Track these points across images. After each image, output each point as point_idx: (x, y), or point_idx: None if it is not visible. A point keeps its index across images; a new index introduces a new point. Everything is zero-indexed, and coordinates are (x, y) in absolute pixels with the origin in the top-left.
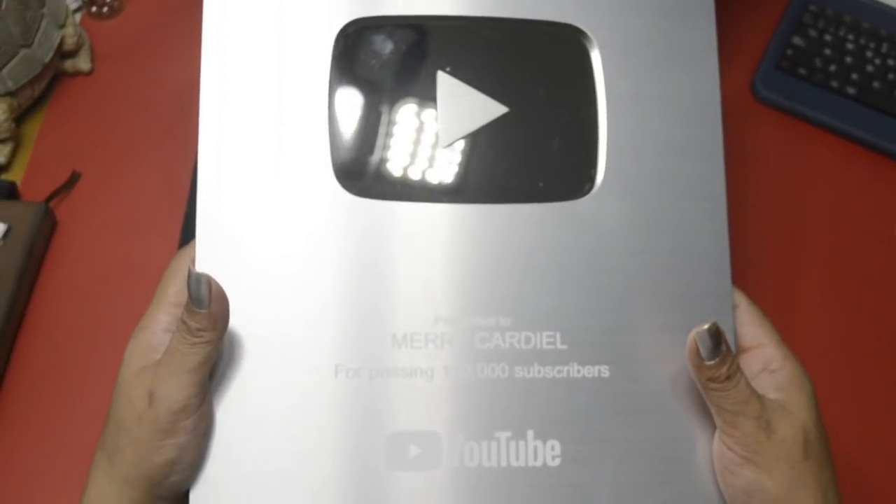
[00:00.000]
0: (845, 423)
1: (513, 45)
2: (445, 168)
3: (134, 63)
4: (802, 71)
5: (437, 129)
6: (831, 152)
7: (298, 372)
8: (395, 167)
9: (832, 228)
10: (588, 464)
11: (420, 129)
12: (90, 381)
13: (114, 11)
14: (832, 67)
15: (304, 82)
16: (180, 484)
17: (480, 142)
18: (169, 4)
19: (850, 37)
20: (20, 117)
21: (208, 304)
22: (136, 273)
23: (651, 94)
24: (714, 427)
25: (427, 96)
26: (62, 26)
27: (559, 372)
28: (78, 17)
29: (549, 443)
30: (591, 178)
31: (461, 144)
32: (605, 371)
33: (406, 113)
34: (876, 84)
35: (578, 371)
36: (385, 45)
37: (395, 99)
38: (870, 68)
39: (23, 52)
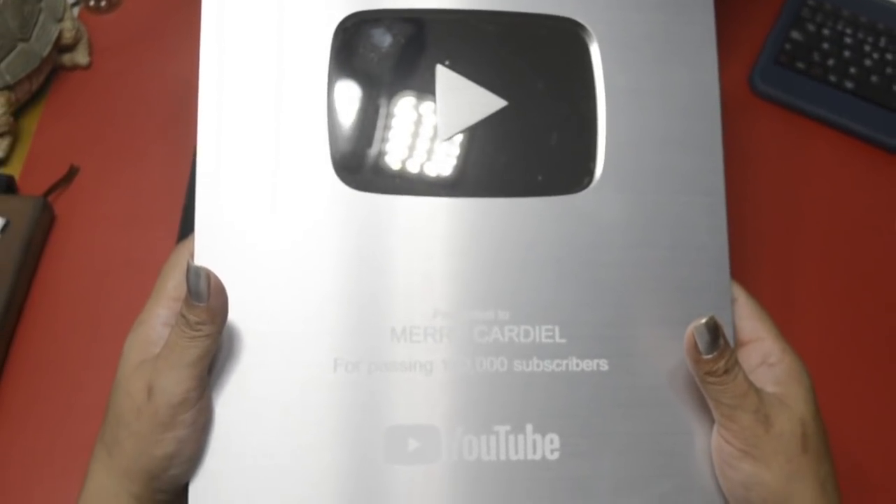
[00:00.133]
0: (843, 417)
1: (512, 38)
2: (444, 162)
3: (132, 57)
4: (800, 65)
5: (436, 122)
6: (829, 146)
7: (297, 366)
8: (394, 161)
9: (830, 222)
10: (587, 457)
11: (419, 123)
12: (89, 375)
13: (112, 5)
14: (830, 62)
15: (303, 76)
16: (179, 477)
17: (479, 135)
18: None
19: (849, 31)
20: (18, 111)
21: (207, 298)
22: (135, 267)
23: (650, 89)
24: (713, 420)
25: (426, 90)
26: (60, 20)
27: (558, 365)
28: (76, 10)
29: (548, 436)
30: (590, 172)
31: (460, 138)
32: (603, 365)
33: (405, 107)
34: (874, 78)
35: (577, 365)
36: (384, 39)
37: (394, 93)
38: (868, 62)
39: (21, 45)
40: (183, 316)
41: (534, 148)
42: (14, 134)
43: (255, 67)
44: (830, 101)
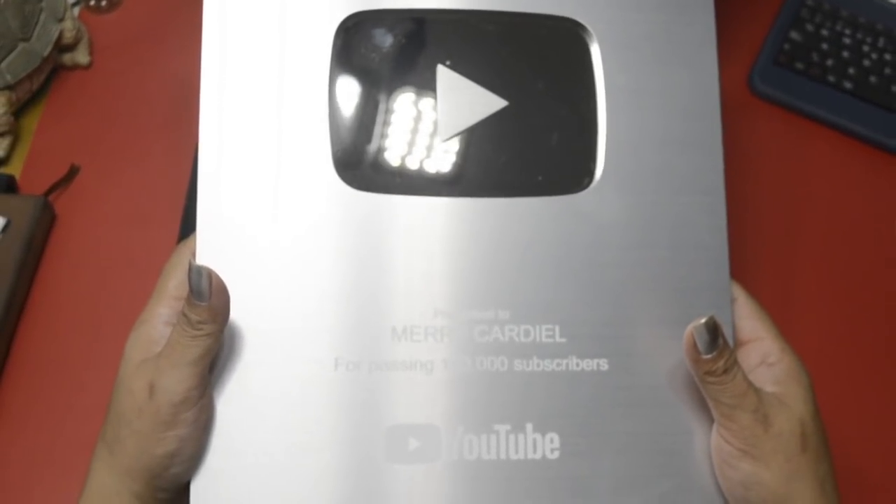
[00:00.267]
0: (843, 417)
1: (512, 39)
2: (445, 161)
3: (132, 56)
4: (800, 65)
5: (436, 122)
6: (828, 146)
7: (298, 365)
8: (395, 161)
9: (829, 222)
10: (587, 457)
11: (420, 123)
12: (89, 375)
13: (112, 5)
14: (829, 62)
15: (305, 75)
16: (181, 476)
17: (480, 135)
18: None
19: (847, 31)
20: (19, 111)
21: (209, 297)
22: (136, 266)
23: (650, 89)
24: (712, 420)
25: (427, 90)
26: (61, 20)
27: (558, 365)
28: (76, 10)
29: (548, 436)
30: (591, 172)
31: (461, 138)
32: (603, 364)
33: (406, 106)
34: (873, 79)
35: (577, 364)
36: (385, 39)
37: (395, 92)
38: (866, 63)
39: (21, 45)
40: (184, 315)
41: (534, 148)
42: (15, 133)
43: (257, 67)
44: (829, 102)
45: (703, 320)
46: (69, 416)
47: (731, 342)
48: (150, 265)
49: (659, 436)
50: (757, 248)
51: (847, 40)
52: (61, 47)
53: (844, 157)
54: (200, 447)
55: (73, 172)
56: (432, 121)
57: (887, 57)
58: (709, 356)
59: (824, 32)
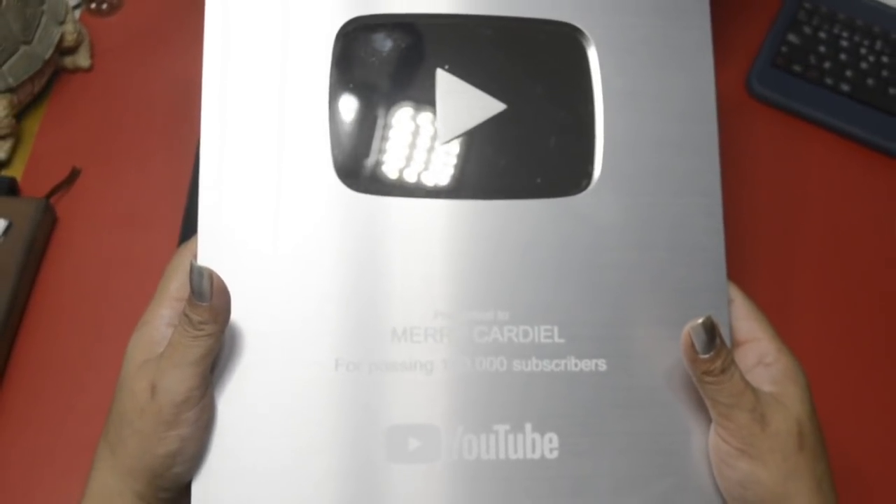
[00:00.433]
0: (839, 416)
1: (511, 43)
2: (444, 164)
3: (133, 59)
4: (797, 68)
5: (436, 125)
6: (825, 148)
7: (299, 365)
8: (394, 164)
9: (826, 224)
10: (586, 456)
11: (419, 126)
12: (90, 376)
13: (113, 8)
14: (827, 64)
15: (305, 79)
16: (182, 476)
17: (479, 138)
18: (167, 1)
19: (845, 34)
20: (20, 113)
21: (210, 298)
22: (137, 268)
23: (647, 92)
24: (710, 420)
25: (426, 94)
26: (62, 23)
27: (557, 365)
28: (77, 13)
29: (547, 435)
30: (588, 175)
31: (460, 141)
32: (602, 365)
33: (405, 110)
34: (870, 81)
35: (576, 365)
36: (384, 44)
37: (394, 96)
38: (864, 65)
39: (23, 48)
40: (186, 315)
41: (532, 150)
42: (16, 136)
43: (258, 69)
44: (826, 104)
45: (700, 320)
46: (70, 417)
47: (728, 342)
48: (151, 267)
49: (657, 436)
50: (754, 250)
51: (844, 43)
52: (63, 50)
53: (842, 159)
54: (202, 447)
55: (74, 175)
56: (431, 124)
57: (884, 59)
58: (706, 356)
59: (822, 35)
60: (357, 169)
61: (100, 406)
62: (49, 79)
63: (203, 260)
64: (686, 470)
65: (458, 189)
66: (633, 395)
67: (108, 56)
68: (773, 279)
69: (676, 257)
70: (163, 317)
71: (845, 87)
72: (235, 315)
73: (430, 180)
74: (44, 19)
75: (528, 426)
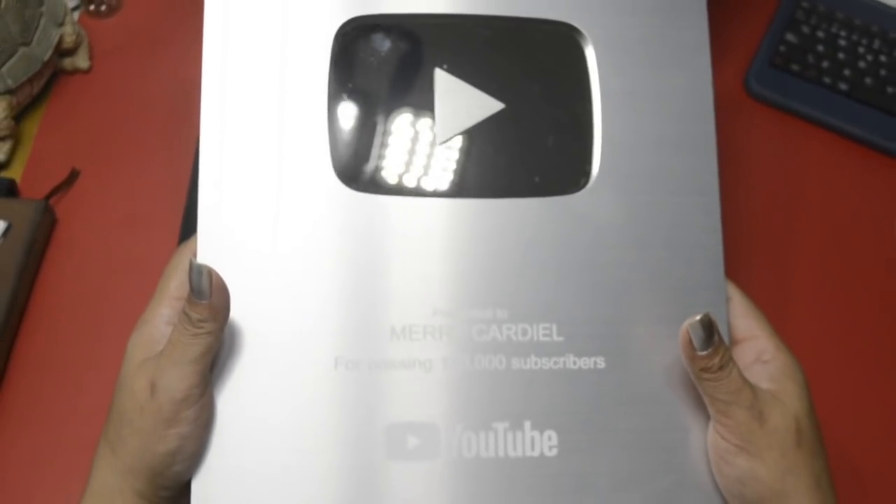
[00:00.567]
0: (837, 413)
1: (509, 42)
2: (443, 163)
3: (132, 61)
4: (795, 67)
5: (434, 125)
6: (823, 147)
7: (298, 364)
8: (393, 163)
9: (824, 222)
10: (585, 454)
11: (417, 126)
12: (90, 377)
13: (112, 10)
14: (825, 64)
15: (304, 79)
16: (182, 474)
17: (477, 138)
18: (166, 3)
19: (843, 33)
20: (19, 115)
21: (209, 295)
22: (136, 269)
23: (645, 91)
24: (708, 417)
25: (424, 93)
26: (61, 24)
27: (556, 363)
28: (76, 15)
29: (546, 433)
30: (586, 173)
31: (458, 140)
32: (600, 362)
33: (404, 109)
34: (868, 80)
35: (574, 362)
36: (383, 44)
37: (392, 96)
38: (862, 64)
39: (22, 50)
40: (185, 313)
41: (531, 149)
42: (15, 137)
43: (257, 70)
44: (825, 103)
45: (698, 317)
46: (71, 417)
47: (726, 340)
48: (150, 268)
49: (656, 433)
50: (752, 248)
51: (842, 42)
52: (61, 52)
53: (840, 158)
54: (201, 445)
55: (73, 176)
56: (430, 123)
57: (882, 59)
58: (704, 353)
59: (820, 34)
60: (355, 168)
61: (100, 406)
62: (48, 80)
63: (203, 259)
64: (685, 467)
65: (457, 188)
66: (632, 393)
67: (107, 57)
68: (771, 277)
69: (674, 256)
70: (162, 315)
71: (843, 87)
72: (235, 314)
73: (428, 179)
74: (42, 21)
75: (528, 424)
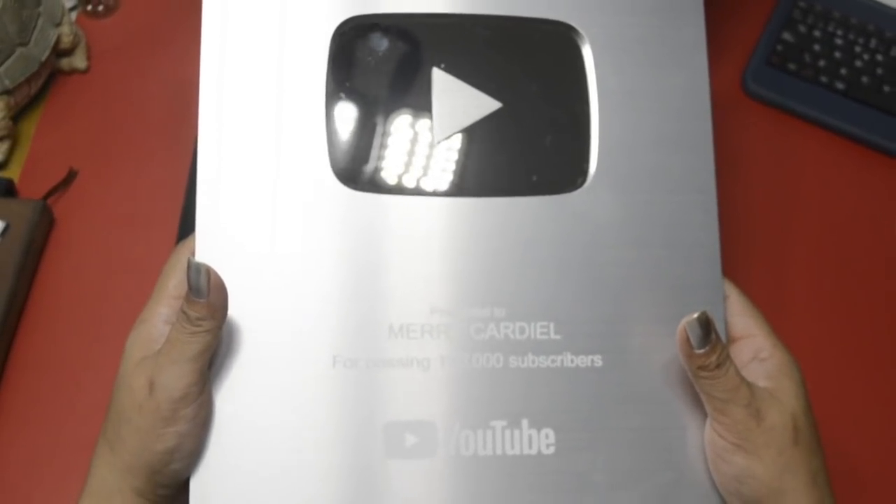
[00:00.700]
0: (834, 411)
1: (506, 42)
2: (440, 162)
3: (129, 61)
4: (792, 66)
5: (431, 124)
6: (820, 146)
7: (296, 363)
8: (390, 162)
9: (821, 221)
10: (582, 452)
11: (415, 125)
12: (89, 377)
13: (109, 10)
14: (821, 63)
15: (302, 78)
16: (181, 472)
17: (475, 137)
18: (163, 3)
19: (839, 32)
20: (17, 115)
21: (207, 294)
22: (134, 269)
23: (642, 90)
24: (705, 415)
25: (422, 92)
26: (58, 25)
27: (553, 361)
28: (74, 15)
29: (544, 431)
30: (584, 172)
31: (456, 139)
32: (598, 360)
33: (401, 109)
34: (864, 79)
35: (572, 361)
36: (380, 43)
37: (390, 95)
38: (858, 63)
39: (19, 50)
40: (183, 312)
41: (528, 148)
42: (13, 138)
43: (255, 70)
44: (821, 102)
45: (695, 315)
46: (69, 417)
47: (723, 338)
48: (148, 267)
49: (653, 431)
50: (749, 247)
51: (839, 41)
52: (59, 52)
53: (836, 156)
54: (200, 443)
55: (71, 176)
56: (427, 123)
57: (879, 58)
58: (701, 351)
59: (816, 33)
60: (353, 167)
61: (98, 406)
62: (46, 80)
63: (201, 258)
64: (682, 465)
65: (454, 187)
66: (629, 391)
67: (105, 57)
68: (769, 276)
69: (671, 254)
70: (161, 314)
71: (840, 86)
72: (233, 313)
73: (425, 178)
74: (40, 21)
75: (525, 422)
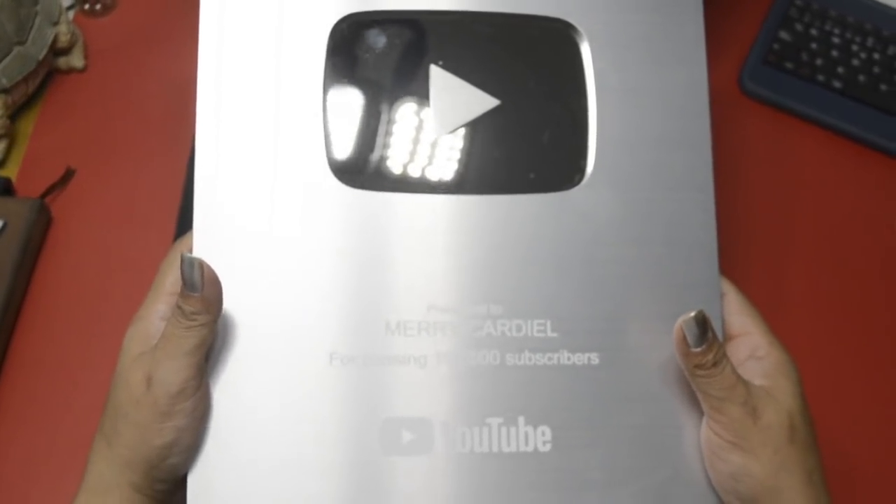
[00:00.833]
0: (831, 410)
1: (504, 39)
2: (437, 160)
3: (127, 60)
4: (789, 65)
5: (429, 121)
6: (817, 145)
7: (294, 359)
8: (388, 159)
9: (818, 219)
10: (578, 449)
11: (413, 122)
12: (86, 375)
13: (106, 9)
14: (818, 61)
15: (300, 76)
16: (178, 467)
17: (472, 134)
18: (160, 2)
19: (836, 31)
20: (14, 114)
21: (201, 288)
22: (132, 267)
23: (640, 88)
24: (702, 413)
25: (420, 90)
26: (56, 23)
27: (549, 359)
28: (71, 14)
29: (540, 429)
30: (581, 170)
31: (453, 137)
32: (594, 358)
33: (399, 106)
34: (861, 78)
35: (568, 358)
36: (378, 40)
37: (388, 92)
38: (855, 62)
39: (17, 49)
40: (179, 307)
41: (526, 146)
42: (10, 136)
43: (253, 67)
44: (818, 101)
45: (692, 314)
46: (67, 415)
47: (720, 336)
48: (145, 266)
49: (649, 429)
50: (747, 245)
51: (836, 40)
52: (56, 51)
53: (833, 155)
54: (197, 438)
55: (68, 175)
56: (425, 120)
57: (876, 56)
58: (698, 349)
59: (813, 32)
60: (351, 165)
61: (96, 404)
62: (43, 79)
63: (198, 253)
64: (678, 463)
65: (452, 184)
66: (626, 389)
67: (102, 56)
68: (766, 274)
69: (669, 252)
70: (158, 311)
71: (837, 84)
72: (230, 309)
73: (423, 176)
74: (38, 20)
75: (521, 419)
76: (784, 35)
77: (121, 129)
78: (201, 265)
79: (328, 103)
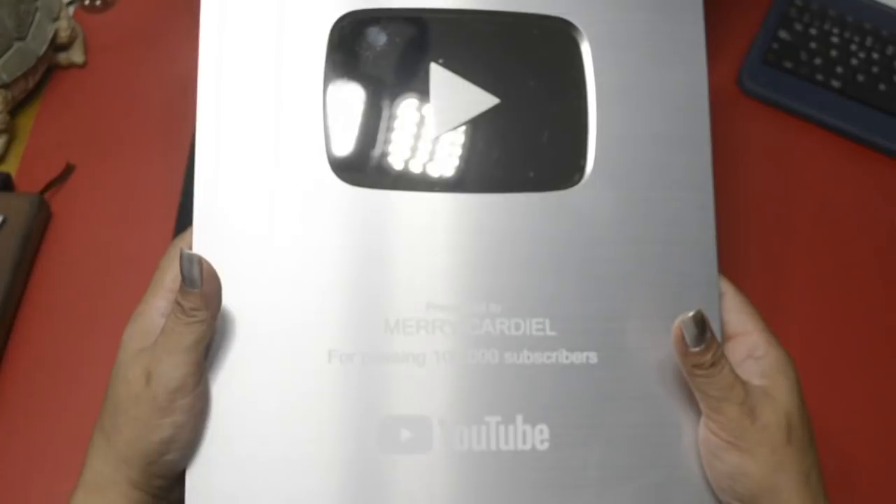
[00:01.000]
0: (829, 410)
1: (505, 38)
2: (437, 158)
3: (127, 55)
4: (788, 64)
5: (429, 119)
6: (816, 144)
7: (293, 357)
8: (388, 157)
9: (817, 218)
10: (576, 448)
11: (413, 120)
12: (85, 371)
13: (107, 4)
14: (817, 61)
15: (300, 73)
16: (177, 463)
17: (472, 132)
18: None
19: (835, 31)
20: (14, 110)
21: (200, 284)
22: (131, 263)
23: (639, 87)
24: (700, 413)
25: (420, 88)
26: (56, 19)
27: (548, 358)
28: (71, 10)
29: (538, 427)
30: (581, 169)
31: (453, 135)
32: (593, 357)
33: (399, 104)
34: (860, 77)
35: (567, 357)
36: (379, 38)
37: (388, 90)
38: (854, 62)
39: (17, 44)
40: (178, 303)
41: (525, 144)
42: (11, 132)
43: (254, 64)
44: (817, 100)
45: (690, 314)
46: (66, 411)
47: (718, 336)
48: (145, 262)
49: (647, 428)
50: (745, 244)
51: (835, 39)
52: (56, 46)
53: (832, 154)
54: (196, 434)
55: (68, 170)
56: (425, 118)
57: (875, 56)
58: (696, 349)
59: (812, 32)
60: (351, 162)
61: (95, 400)
62: (43, 75)
63: (198, 250)
64: (676, 462)
65: (451, 183)
66: (624, 388)
67: (102, 52)
68: (765, 273)
69: (668, 251)
70: (158, 307)
71: (836, 84)
72: (230, 306)
73: (422, 174)
74: (38, 16)
75: (520, 418)
76: (783, 34)
77: (121, 125)
78: (200, 262)
79: (328, 101)
